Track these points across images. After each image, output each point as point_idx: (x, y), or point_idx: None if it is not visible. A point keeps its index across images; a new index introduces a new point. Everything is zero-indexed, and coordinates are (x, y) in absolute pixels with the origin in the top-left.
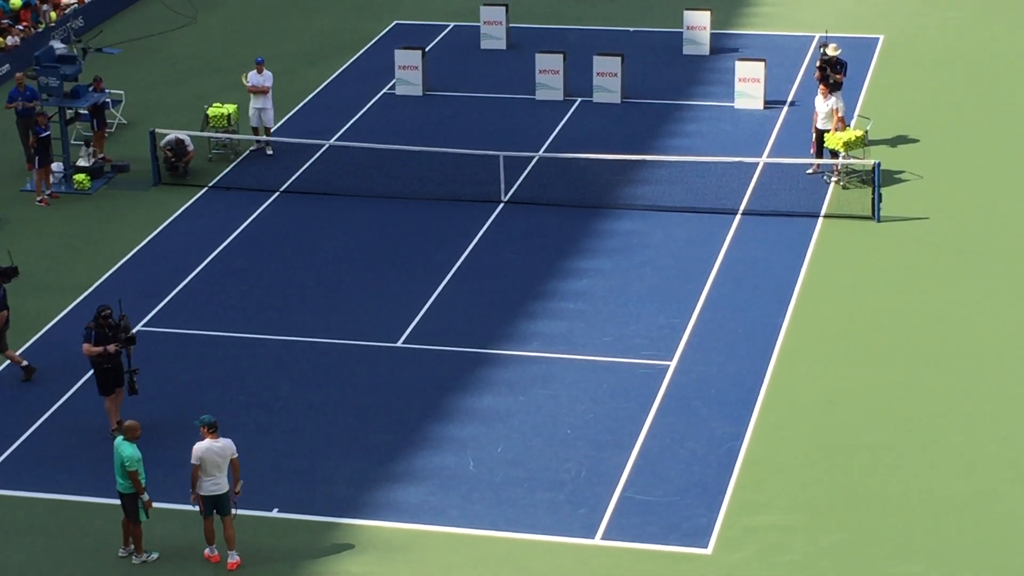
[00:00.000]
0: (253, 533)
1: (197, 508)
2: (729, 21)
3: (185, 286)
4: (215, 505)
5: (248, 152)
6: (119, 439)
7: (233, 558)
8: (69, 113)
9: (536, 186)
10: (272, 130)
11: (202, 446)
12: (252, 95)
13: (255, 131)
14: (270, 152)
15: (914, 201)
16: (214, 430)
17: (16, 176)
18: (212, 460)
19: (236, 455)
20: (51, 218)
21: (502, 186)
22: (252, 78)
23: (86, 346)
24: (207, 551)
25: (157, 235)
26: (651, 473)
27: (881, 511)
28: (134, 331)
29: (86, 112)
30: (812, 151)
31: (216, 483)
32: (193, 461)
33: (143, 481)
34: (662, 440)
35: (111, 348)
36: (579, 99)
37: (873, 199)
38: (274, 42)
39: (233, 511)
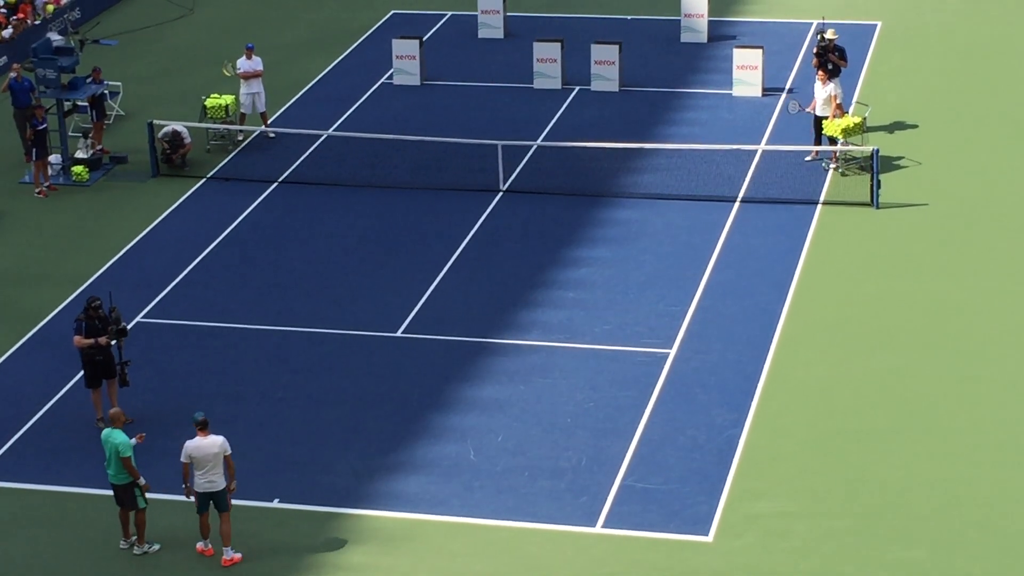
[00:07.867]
0: (254, 524)
1: (192, 500)
2: (727, 9)
3: (184, 277)
4: (211, 501)
5: (248, 141)
6: (107, 429)
7: (228, 554)
8: (67, 105)
9: (535, 175)
10: (267, 113)
11: (191, 444)
12: (243, 81)
13: (243, 118)
14: (272, 135)
15: (913, 187)
16: (203, 427)
17: (14, 168)
18: (201, 457)
19: (229, 451)
20: (49, 210)
21: (500, 175)
22: (242, 64)
23: (77, 338)
24: (200, 544)
25: (155, 226)
26: (651, 461)
27: (882, 497)
28: (126, 324)
29: (84, 104)
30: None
31: (209, 480)
32: (182, 459)
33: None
34: (662, 428)
35: (102, 340)
36: (577, 87)
37: (872, 186)
38: (271, 33)
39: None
